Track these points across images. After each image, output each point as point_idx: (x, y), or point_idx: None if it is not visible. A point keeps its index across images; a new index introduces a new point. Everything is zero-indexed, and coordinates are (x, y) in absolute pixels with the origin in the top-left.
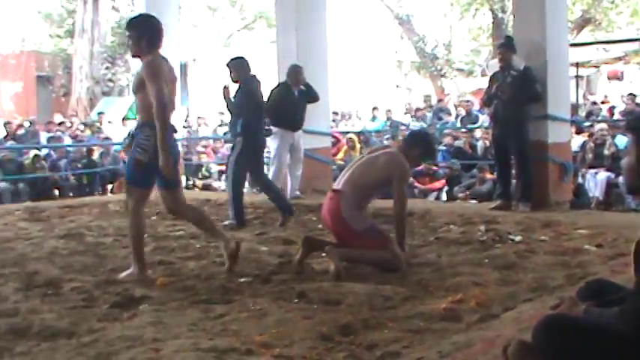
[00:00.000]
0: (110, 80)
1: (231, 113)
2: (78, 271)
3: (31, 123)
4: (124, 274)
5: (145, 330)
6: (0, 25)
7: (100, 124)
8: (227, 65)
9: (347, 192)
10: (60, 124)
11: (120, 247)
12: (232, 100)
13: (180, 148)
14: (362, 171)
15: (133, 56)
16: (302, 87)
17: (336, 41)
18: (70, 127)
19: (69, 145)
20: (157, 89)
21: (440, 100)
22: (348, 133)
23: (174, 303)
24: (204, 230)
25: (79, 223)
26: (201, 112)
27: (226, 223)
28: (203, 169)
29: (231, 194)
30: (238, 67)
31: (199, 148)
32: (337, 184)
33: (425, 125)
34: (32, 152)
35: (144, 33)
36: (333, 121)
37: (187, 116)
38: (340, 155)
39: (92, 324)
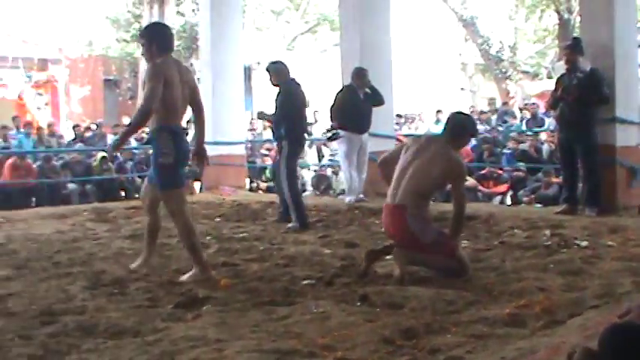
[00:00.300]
0: None
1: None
2: (143, 272)
3: (98, 126)
4: (185, 276)
5: (209, 330)
6: (69, 31)
7: None
8: (266, 69)
9: (409, 205)
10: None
11: (184, 248)
12: (267, 114)
13: (243, 151)
14: (418, 179)
15: (147, 61)
16: (367, 90)
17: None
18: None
19: (135, 148)
20: (149, 88)
21: (505, 103)
22: (411, 136)
23: (237, 304)
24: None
25: (145, 224)
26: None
27: (290, 226)
28: (266, 171)
29: (291, 198)
30: (278, 71)
31: (263, 151)
32: (394, 197)
33: (489, 128)
34: (99, 154)
35: (153, 38)
36: (397, 124)
37: (252, 119)
38: None
39: (157, 323)
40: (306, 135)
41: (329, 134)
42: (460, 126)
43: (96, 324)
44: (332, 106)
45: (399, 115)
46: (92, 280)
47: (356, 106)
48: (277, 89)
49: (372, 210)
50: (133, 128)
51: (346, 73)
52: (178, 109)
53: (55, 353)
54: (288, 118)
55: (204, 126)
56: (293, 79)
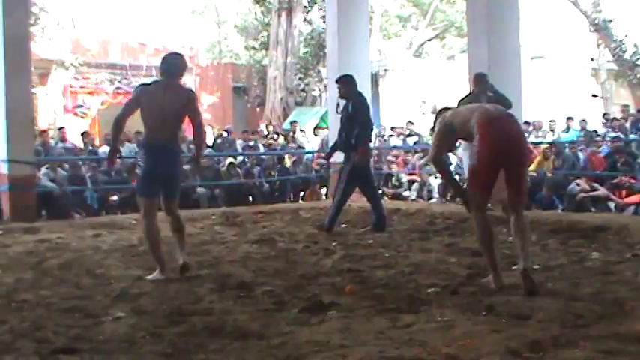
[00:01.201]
0: (303, 90)
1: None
2: (269, 276)
3: (227, 132)
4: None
5: (333, 336)
6: (199, 39)
7: (293, 133)
8: (337, 81)
9: None
10: (254, 132)
11: (310, 253)
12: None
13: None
14: None
15: None
16: (490, 94)
17: (528, 49)
18: (266, 137)
19: (262, 154)
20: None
21: (639, 110)
22: (540, 143)
23: (362, 310)
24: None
25: (272, 229)
26: (393, 122)
27: (319, 224)
28: (393, 178)
29: (339, 203)
30: (349, 83)
31: (390, 158)
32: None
33: (622, 136)
34: (228, 160)
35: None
36: (525, 131)
37: (380, 126)
38: (532, 167)
39: (282, 327)
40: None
41: None
42: None
43: (222, 325)
44: None
45: (527, 123)
46: (219, 283)
47: None
48: (345, 101)
49: (499, 219)
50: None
51: None
52: (157, 129)
53: (183, 352)
54: (364, 128)
55: (201, 143)
56: (361, 93)
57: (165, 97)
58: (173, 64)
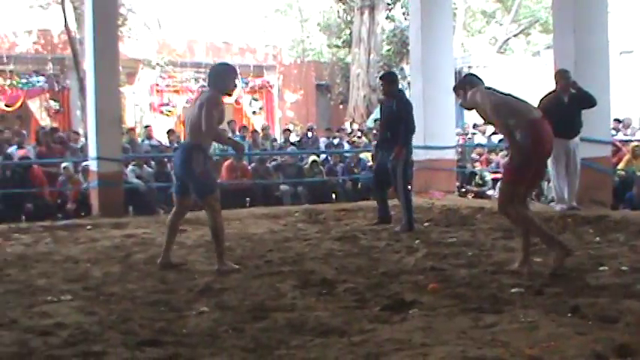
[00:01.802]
0: None
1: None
2: (351, 273)
3: (310, 130)
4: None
5: (414, 334)
6: (283, 38)
7: (376, 130)
8: (381, 78)
9: None
10: (338, 130)
11: (393, 251)
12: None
13: (454, 156)
14: None
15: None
16: (572, 91)
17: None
18: (350, 134)
19: (345, 151)
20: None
21: None
22: (630, 141)
23: (444, 309)
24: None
25: (354, 226)
26: (478, 120)
27: (397, 229)
28: (477, 177)
29: (407, 201)
30: (393, 81)
31: (474, 156)
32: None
33: None
34: (311, 157)
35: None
36: (614, 129)
37: (464, 124)
38: (621, 165)
39: (363, 324)
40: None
41: None
42: None
43: (304, 322)
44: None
45: (616, 120)
46: (302, 280)
47: (559, 110)
48: (386, 98)
49: (586, 218)
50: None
51: None
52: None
53: (265, 347)
54: (410, 125)
55: (220, 141)
56: (402, 90)
57: (194, 103)
58: (209, 74)
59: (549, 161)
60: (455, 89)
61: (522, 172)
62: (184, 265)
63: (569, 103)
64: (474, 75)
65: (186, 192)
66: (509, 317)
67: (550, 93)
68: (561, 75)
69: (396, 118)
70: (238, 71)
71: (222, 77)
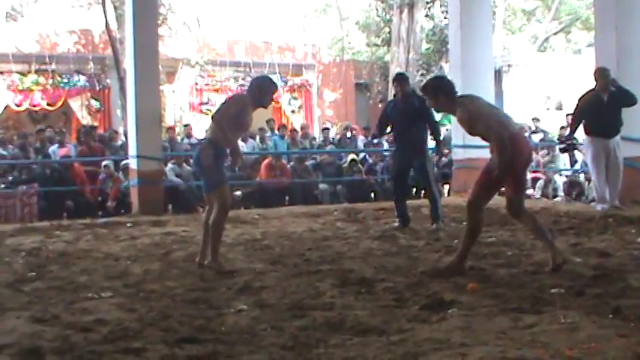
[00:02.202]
0: None
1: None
2: (390, 272)
3: (350, 129)
4: None
5: (453, 334)
6: (322, 37)
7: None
8: (397, 79)
9: None
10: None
11: (431, 250)
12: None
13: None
14: None
15: None
16: (612, 89)
17: None
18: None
19: (385, 150)
20: None
21: None
22: None
23: (483, 309)
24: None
25: (393, 225)
26: (517, 119)
27: (434, 227)
28: None
29: (439, 199)
30: (407, 81)
31: None
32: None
33: None
34: (349, 156)
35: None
36: None
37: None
38: None
39: (402, 324)
40: None
41: (561, 145)
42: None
43: (343, 321)
44: (573, 111)
45: None
46: (341, 278)
47: (598, 109)
48: (402, 98)
49: (628, 218)
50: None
51: None
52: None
53: (304, 345)
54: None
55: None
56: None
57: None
58: (251, 82)
59: (589, 161)
60: (426, 89)
61: (499, 180)
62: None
63: (609, 102)
64: (448, 81)
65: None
66: (549, 318)
67: (589, 92)
68: (600, 73)
69: (420, 115)
70: (277, 70)
71: (260, 90)
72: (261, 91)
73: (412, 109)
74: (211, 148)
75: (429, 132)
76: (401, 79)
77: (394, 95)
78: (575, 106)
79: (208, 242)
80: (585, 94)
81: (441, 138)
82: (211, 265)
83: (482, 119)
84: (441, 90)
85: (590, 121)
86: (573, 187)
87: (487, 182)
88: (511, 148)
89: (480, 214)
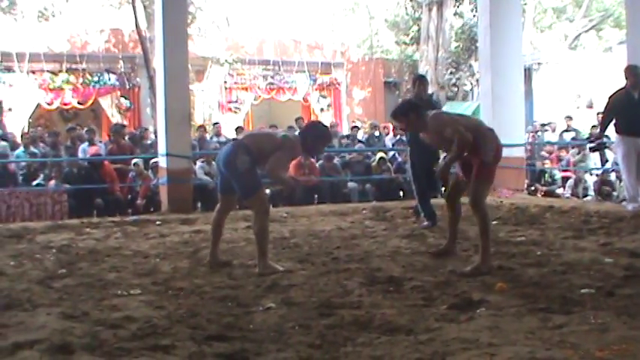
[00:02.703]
0: (454, 85)
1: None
2: (418, 271)
3: (375, 127)
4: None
5: (481, 334)
6: (351, 35)
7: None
8: (420, 78)
9: None
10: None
11: (460, 249)
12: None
13: (523, 153)
14: None
15: None
16: None
17: None
18: None
19: (391, 149)
20: None
21: None
22: None
23: (511, 309)
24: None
25: (422, 224)
26: (547, 117)
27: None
28: (546, 175)
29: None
30: (428, 82)
31: (543, 153)
32: None
33: None
34: (379, 154)
35: None
36: None
37: (534, 122)
38: None
39: (430, 323)
40: None
41: (592, 145)
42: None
43: (371, 319)
44: (604, 110)
45: None
46: (369, 277)
47: (629, 107)
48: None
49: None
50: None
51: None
52: None
53: (331, 344)
54: None
55: None
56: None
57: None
58: (307, 126)
59: (620, 160)
60: (396, 117)
61: (492, 173)
62: (231, 262)
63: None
64: (414, 101)
65: (229, 190)
66: (578, 318)
67: (619, 90)
68: (631, 71)
69: None
70: (306, 69)
71: (316, 139)
72: (316, 141)
73: (431, 107)
74: (246, 153)
75: None
76: (424, 79)
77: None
78: (605, 104)
79: (219, 241)
80: (616, 93)
81: None
82: (263, 272)
83: (450, 124)
84: (410, 110)
85: (620, 120)
86: (604, 186)
87: (486, 176)
88: (477, 145)
89: (484, 208)
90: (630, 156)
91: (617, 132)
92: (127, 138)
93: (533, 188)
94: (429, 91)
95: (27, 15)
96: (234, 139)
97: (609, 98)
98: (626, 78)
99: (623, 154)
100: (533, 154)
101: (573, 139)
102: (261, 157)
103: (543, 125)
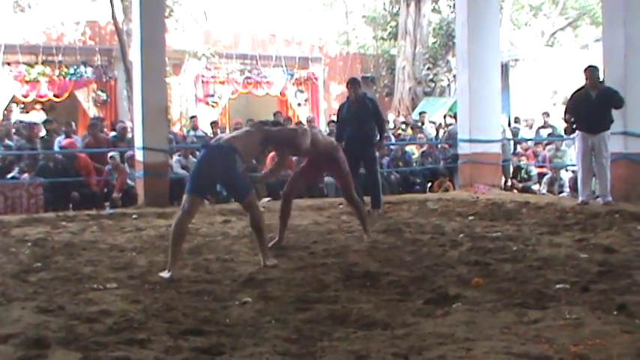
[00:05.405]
0: (432, 81)
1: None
2: (395, 266)
3: None
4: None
5: (457, 328)
6: (328, 30)
7: (422, 123)
8: (348, 84)
9: None
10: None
11: (437, 244)
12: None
13: (499, 149)
14: None
15: None
16: (601, 88)
17: None
18: (394, 128)
19: (391, 144)
20: None
21: None
22: None
23: (487, 304)
24: None
25: (398, 219)
26: (523, 114)
27: (375, 213)
28: (522, 171)
29: (380, 185)
30: (359, 84)
31: (519, 150)
32: None
33: None
34: None
35: None
36: None
37: (510, 118)
38: None
39: (406, 318)
40: None
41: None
42: None
43: (347, 314)
44: (565, 107)
45: None
46: (345, 272)
47: (586, 105)
48: (356, 99)
49: (634, 214)
50: None
51: (609, 69)
52: None
53: (308, 338)
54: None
55: None
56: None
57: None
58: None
59: (575, 156)
60: (267, 141)
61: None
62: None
63: (597, 99)
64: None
65: (206, 192)
66: (553, 313)
67: (580, 89)
68: (590, 72)
69: (371, 115)
70: (283, 63)
71: (292, 139)
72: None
73: (363, 109)
74: (240, 156)
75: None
76: (352, 82)
77: (347, 98)
78: (567, 102)
79: (180, 251)
80: (576, 91)
81: (385, 135)
82: (269, 263)
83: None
84: (273, 125)
85: (577, 117)
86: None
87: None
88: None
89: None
90: (585, 153)
91: (576, 129)
92: (102, 131)
93: (509, 184)
94: (364, 91)
95: (2, 6)
96: (217, 144)
97: (570, 97)
98: (586, 78)
99: (578, 150)
100: (504, 149)
101: (550, 135)
102: (247, 156)
103: (517, 120)
